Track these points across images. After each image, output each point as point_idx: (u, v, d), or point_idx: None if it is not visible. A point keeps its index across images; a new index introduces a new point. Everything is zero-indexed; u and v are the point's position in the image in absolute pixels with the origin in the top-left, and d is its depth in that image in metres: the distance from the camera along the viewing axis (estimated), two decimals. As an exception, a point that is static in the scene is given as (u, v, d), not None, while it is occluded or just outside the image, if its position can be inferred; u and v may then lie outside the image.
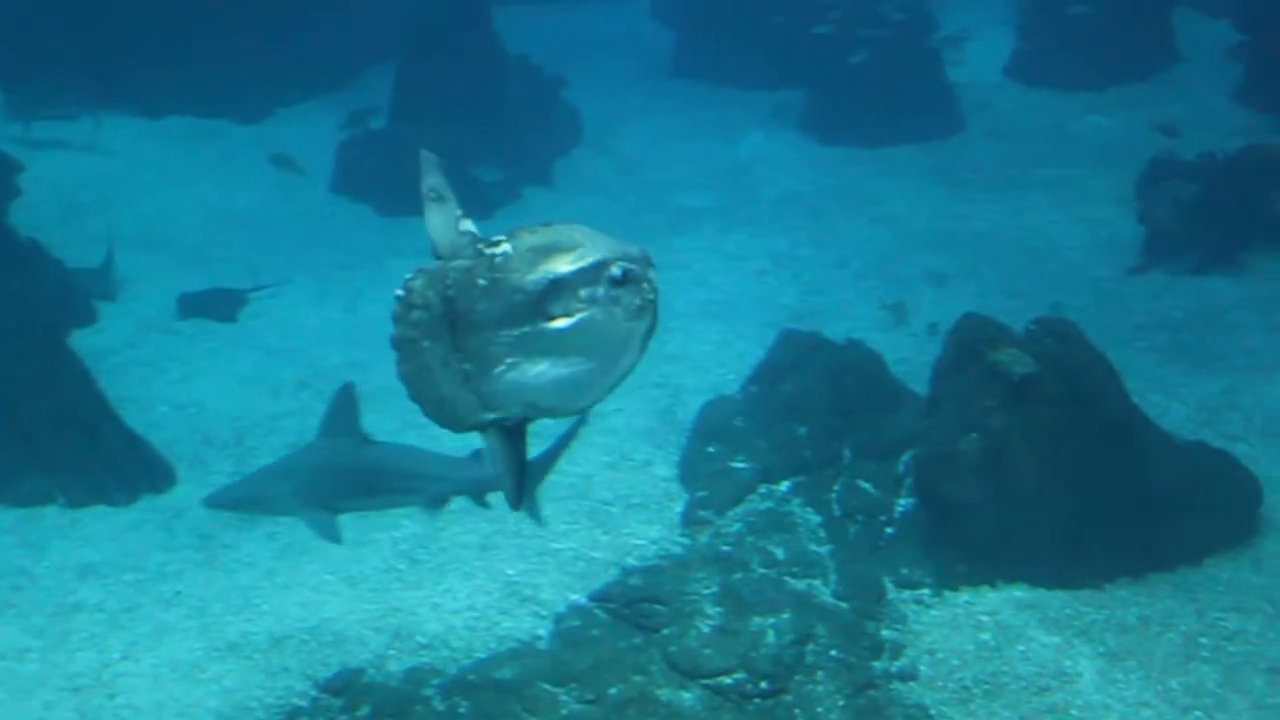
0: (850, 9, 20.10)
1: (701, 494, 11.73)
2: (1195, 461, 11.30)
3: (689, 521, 11.47)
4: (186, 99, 20.63)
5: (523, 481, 4.75)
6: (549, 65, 20.43)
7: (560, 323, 4.43)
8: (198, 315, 15.23)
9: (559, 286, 4.43)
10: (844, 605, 10.41)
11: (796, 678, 9.65)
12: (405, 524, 11.25)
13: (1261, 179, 15.36)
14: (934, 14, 21.28)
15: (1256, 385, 13.16)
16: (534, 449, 5.04)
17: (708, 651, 9.80)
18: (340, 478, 9.36)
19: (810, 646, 9.89)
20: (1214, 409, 12.82)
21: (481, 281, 4.48)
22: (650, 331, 4.47)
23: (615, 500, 11.83)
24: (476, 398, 4.53)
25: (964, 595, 10.57)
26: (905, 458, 11.70)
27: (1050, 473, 10.61)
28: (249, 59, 20.84)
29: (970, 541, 10.74)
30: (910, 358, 13.26)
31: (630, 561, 11.00)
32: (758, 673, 9.64)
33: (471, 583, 10.88)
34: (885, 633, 10.18)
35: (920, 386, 11.77)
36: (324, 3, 21.66)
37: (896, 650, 10.01)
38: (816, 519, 11.34)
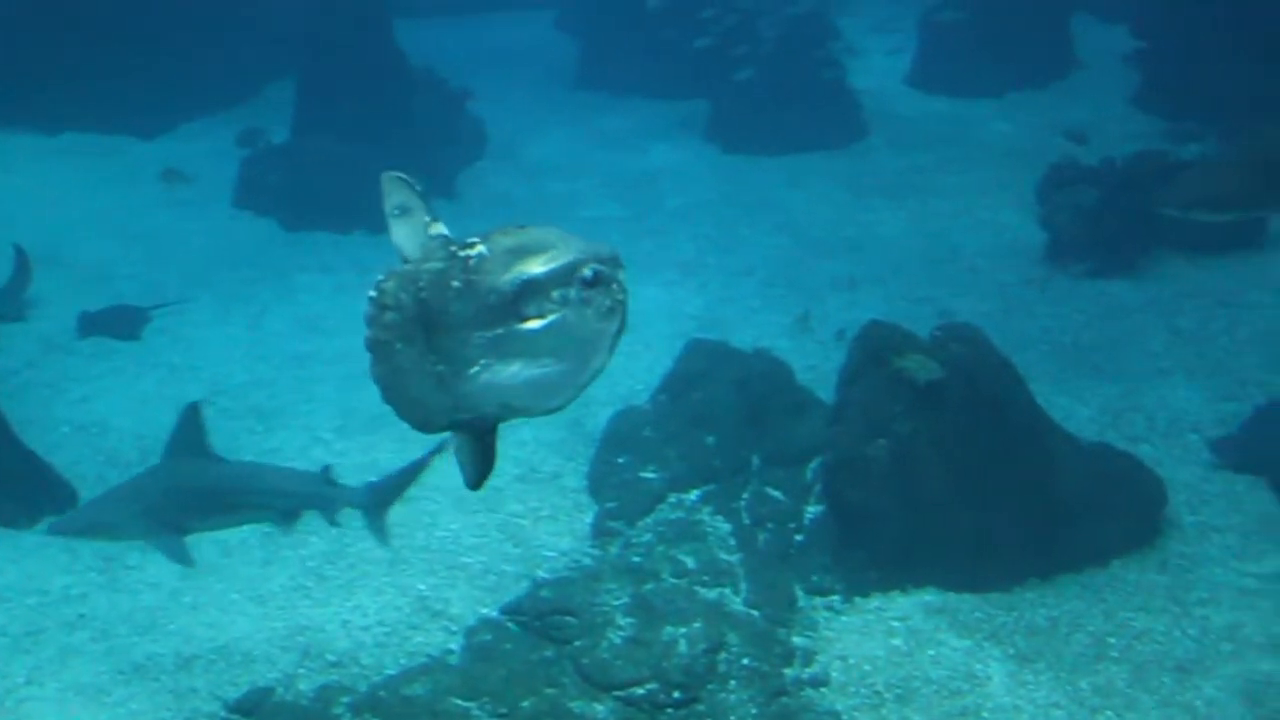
0: (733, 24, 20.15)
1: (611, 505, 11.72)
2: (1100, 464, 11.41)
3: (599, 532, 11.46)
4: (85, 115, 20.34)
5: (485, 472, 4.73)
6: (454, 77, 20.36)
7: (533, 324, 4.45)
8: (99, 334, 15.01)
9: (532, 287, 4.44)
10: (755, 613, 10.42)
11: (709, 687, 9.66)
12: (313, 540, 11.16)
13: (1159, 184, 15.52)
14: (833, 22, 21.40)
15: (1159, 387, 13.32)
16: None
17: (619, 663, 9.79)
18: (188, 498, 9.29)
19: (722, 655, 9.91)
20: (1117, 411, 12.95)
21: (455, 283, 4.48)
22: (620, 332, 4.50)
23: (525, 513, 11.79)
24: (450, 399, 4.52)
25: (874, 600, 10.63)
26: (813, 465, 11.77)
27: (958, 477, 10.69)
28: (148, 74, 20.55)
29: (879, 547, 10.79)
30: (817, 365, 13.32)
31: (541, 574, 10.97)
32: (670, 683, 9.63)
33: (381, 598, 10.81)
34: (797, 640, 10.20)
35: (827, 393, 11.81)
36: (225, 17, 21.43)
37: (808, 657, 10.05)
38: (726, 527, 11.36)
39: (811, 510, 11.51)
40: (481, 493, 11.85)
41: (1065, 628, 10.28)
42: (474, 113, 20.33)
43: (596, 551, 11.23)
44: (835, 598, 10.66)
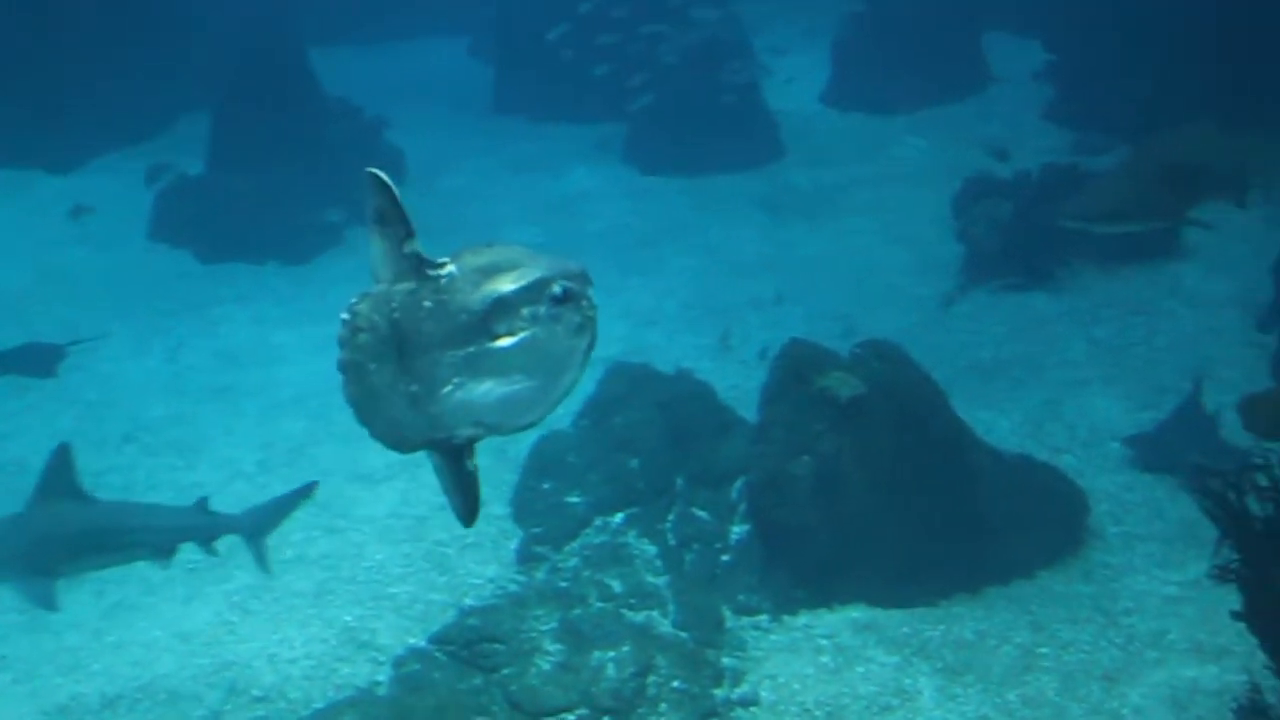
0: (634, 51, 20.18)
1: (536, 530, 11.68)
2: (1023, 476, 11.48)
3: (525, 558, 11.41)
4: (-7, 150, 20.21)
5: (471, 500, 4.70)
6: (370, 106, 20.28)
7: (504, 341, 4.49)
8: (13, 372, 14.82)
9: (502, 305, 4.48)
10: (683, 635, 10.40)
11: (639, 710, 9.64)
12: (237, 574, 11.04)
13: (1069, 196, 15.65)
14: (749, 43, 21.48)
15: (1078, 397, 13.42)
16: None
17: (549, 689, 9.74)
18: (59, 541, 9.14)
19: (651, 678, 9.87)
20: (1038, 422, 13.04)
21: (427, 303, 4.51)
22: (590, 347, 4.57)
23: (450, 541, 11.72)
24: (424, 418, 4.54)
25: (802, 619, 10.64)
26: (738, 484, 11.75)
27: (882, 493, 10.73)
28: (57, 110, 20.39)
29: (806, 565, 10.80)
30: (740, 384, 13.33)
31: (468, 602, 10.92)
32: (599, 708, 9.60)
33: (307, 631, 10.73)
34: (726, 660, 10.19)
35: (750, 413, 11.81)
36: (135, 50, 21.27)
37: (737, 677, 10.04)
38: (652, 550, 11.34)
39: (737, 530, 11.50)
40: (406, 522, 11.86)
41: (993, 640, 10.33)
42: (391, 141, 20.26)
43: (523, 578, 11.18)
44: (763, 617, 10.66)
